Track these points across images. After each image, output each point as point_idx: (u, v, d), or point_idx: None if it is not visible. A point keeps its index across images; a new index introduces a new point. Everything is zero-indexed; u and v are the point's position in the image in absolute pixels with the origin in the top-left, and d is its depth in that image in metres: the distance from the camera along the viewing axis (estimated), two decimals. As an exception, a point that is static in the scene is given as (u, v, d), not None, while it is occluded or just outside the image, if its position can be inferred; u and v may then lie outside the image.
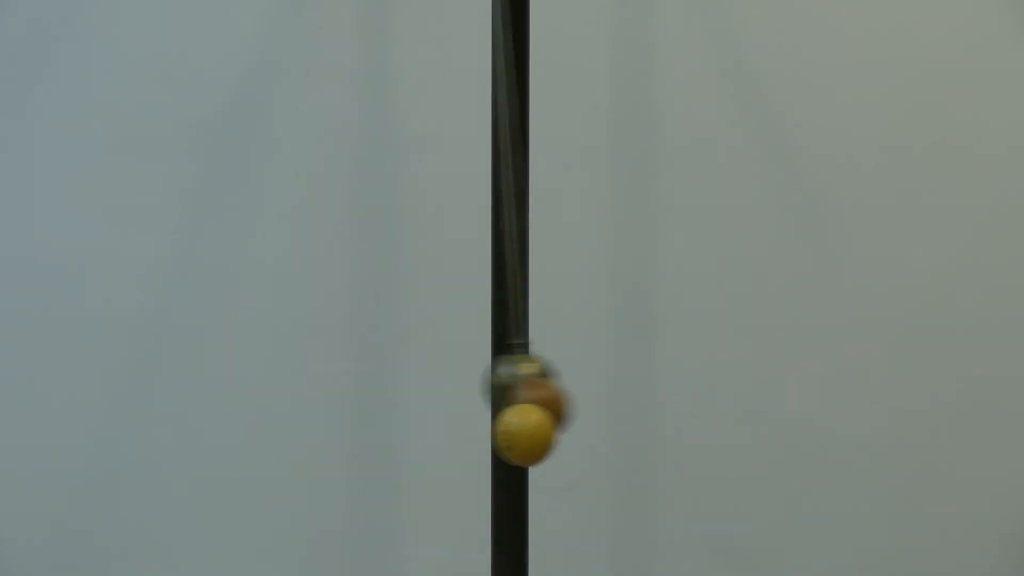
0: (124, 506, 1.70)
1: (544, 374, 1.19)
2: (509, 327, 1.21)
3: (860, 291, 1.72)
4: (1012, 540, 1.75)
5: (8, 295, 1.67)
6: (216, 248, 1.68)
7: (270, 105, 1.67)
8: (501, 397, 1.17)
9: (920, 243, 1.72)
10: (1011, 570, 1.75)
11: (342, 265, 1.69)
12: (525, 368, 1.19)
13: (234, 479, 1.70)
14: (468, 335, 1.63)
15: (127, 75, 1.66)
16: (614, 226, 1.71)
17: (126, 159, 1.66)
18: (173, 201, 1.67)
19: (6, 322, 1.68)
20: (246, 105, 1.67)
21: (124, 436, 1.70)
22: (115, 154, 1.66)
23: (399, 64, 1.68)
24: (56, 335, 1.67)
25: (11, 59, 1.65)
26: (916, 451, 1.74)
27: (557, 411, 1.17)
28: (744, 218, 1.71)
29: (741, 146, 1.70)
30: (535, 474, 1.36)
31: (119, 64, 1.66)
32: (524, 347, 1.21)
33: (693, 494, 1.73)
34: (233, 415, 1.70)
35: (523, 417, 1.16)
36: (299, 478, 1.70)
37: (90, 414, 1.69)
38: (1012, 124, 1.72)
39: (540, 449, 1.17)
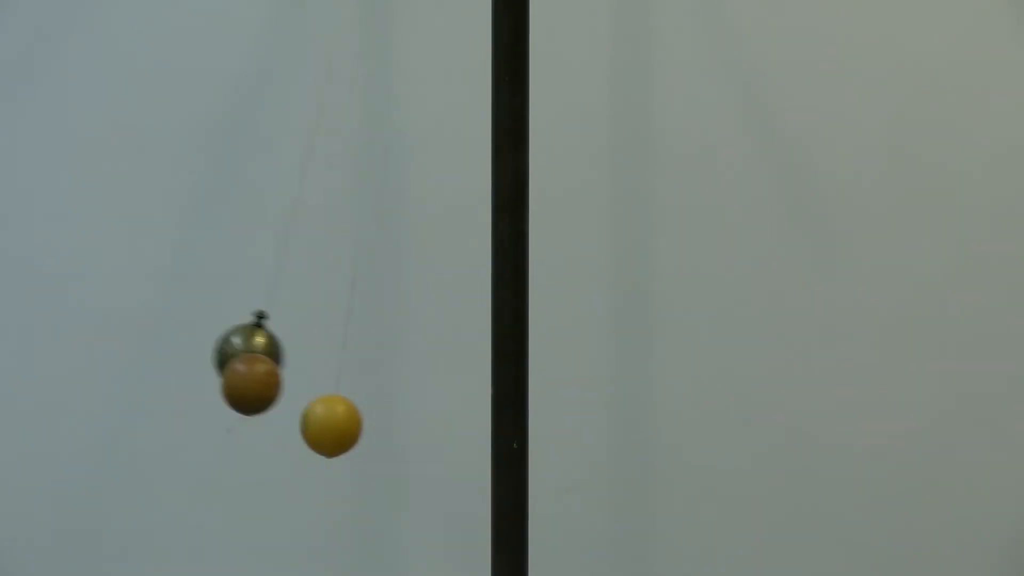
0: (124, 506, 1.70)
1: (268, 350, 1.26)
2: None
3: (859, 292, 1.72)
4: (1013, 542, 1.75)
5: (8, 295, 1.67)
6: (216, 248, 1.68)
7: (270, 106, 1.67)
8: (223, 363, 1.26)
9: (920, 245, 1.72)
10: (1012, 571, 1.75)
11: (342, 264, 1.69)
12: (256, 339, 1.26)
13: (234, 480, 1.70)
14: (468, 335, 1.63)
15: (128, 76, 1.66)
16: (614, 226, 1.70)
17: (126, 159, 1.66)
18: (173, 201, 1.67)
19: (6, 322, 1.67)
20: (246, 105, 1.67)
21: (124, 436, 1.69)
22: (116, 154, 1.66)
23: (399, 64, 1.68)
24: (55, 335, 1.67)
25: (12, 60, 1.65)
26: (915, 452, 1.74)
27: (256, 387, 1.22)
28: (743, 219, 1.70)
29: (740, 147, 1.70)
30: (536, 476, 1.36)
31: (120, 64, 1.66)
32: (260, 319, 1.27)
33: (692, 495, 1.73)
34: (233, 415, 1.69)
35: (329, 408, 1.20)
36: (299, 479, 1.70)
37: (90, 414, 1.68)
38: (1012, 125, 1.71)
39: (344, 439, 1.19)
